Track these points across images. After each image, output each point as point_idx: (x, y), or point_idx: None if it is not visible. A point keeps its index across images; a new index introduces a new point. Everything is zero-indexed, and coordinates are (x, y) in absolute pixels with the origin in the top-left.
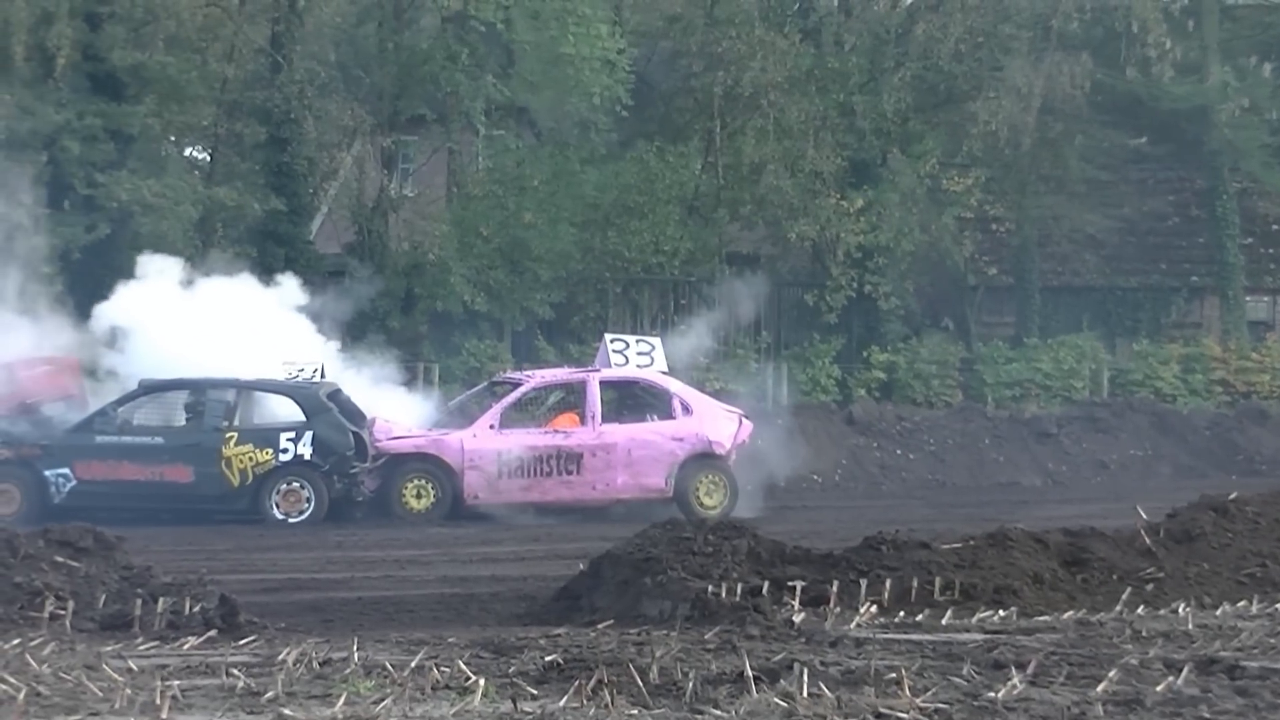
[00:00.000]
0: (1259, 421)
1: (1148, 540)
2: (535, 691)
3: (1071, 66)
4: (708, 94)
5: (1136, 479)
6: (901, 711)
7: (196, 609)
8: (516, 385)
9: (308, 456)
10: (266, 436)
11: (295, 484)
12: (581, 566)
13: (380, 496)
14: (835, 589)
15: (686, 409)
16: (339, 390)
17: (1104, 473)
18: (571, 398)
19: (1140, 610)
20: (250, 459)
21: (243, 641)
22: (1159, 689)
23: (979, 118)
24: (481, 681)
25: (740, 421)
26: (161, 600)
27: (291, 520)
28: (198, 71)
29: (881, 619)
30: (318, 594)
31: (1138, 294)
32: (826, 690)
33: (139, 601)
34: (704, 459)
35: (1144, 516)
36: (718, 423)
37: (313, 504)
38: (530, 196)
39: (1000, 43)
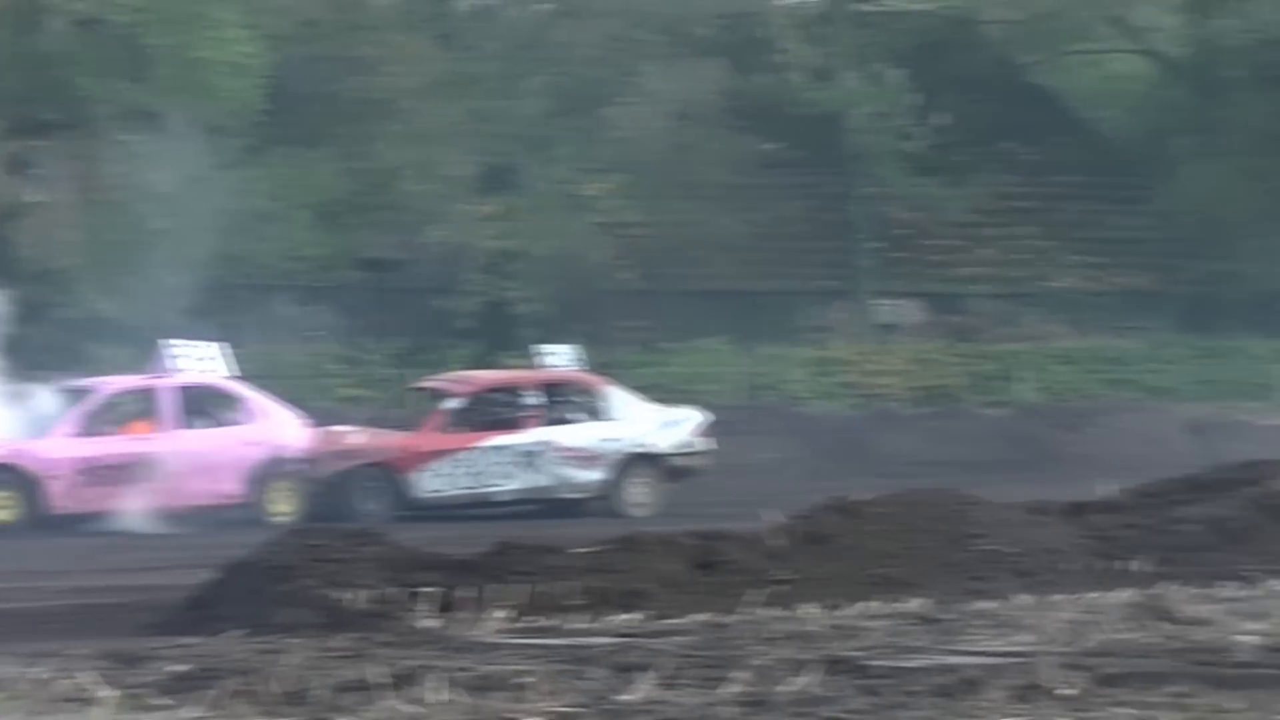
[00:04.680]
0: (887, 423)
1: (777, 542)
2: (163, 702)
3: (706, 72)
4: (342, 99)
5: (768, 481)
6: (532, 716)
7: None
8: (89, 390)
9: None
10: None
11: None
12: (211, 575)
13: None
14: (467, 594)
15: (259, 414)
16: None
17: (735, 476)
18: (148, 404)
19: (770, 611)
20: None
21: None
22: (788, 689)
23: (614, 123)
24: (107, 693)
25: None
26: None
27: None
28: None
29: (513, 624)
30: None
31: (770, 297)
32: (458, 696)
33: None
34: (277, 465)
35: (775, 518)
36: (291, 428)
37: None
38: (162, 202)
39: (635, 49)
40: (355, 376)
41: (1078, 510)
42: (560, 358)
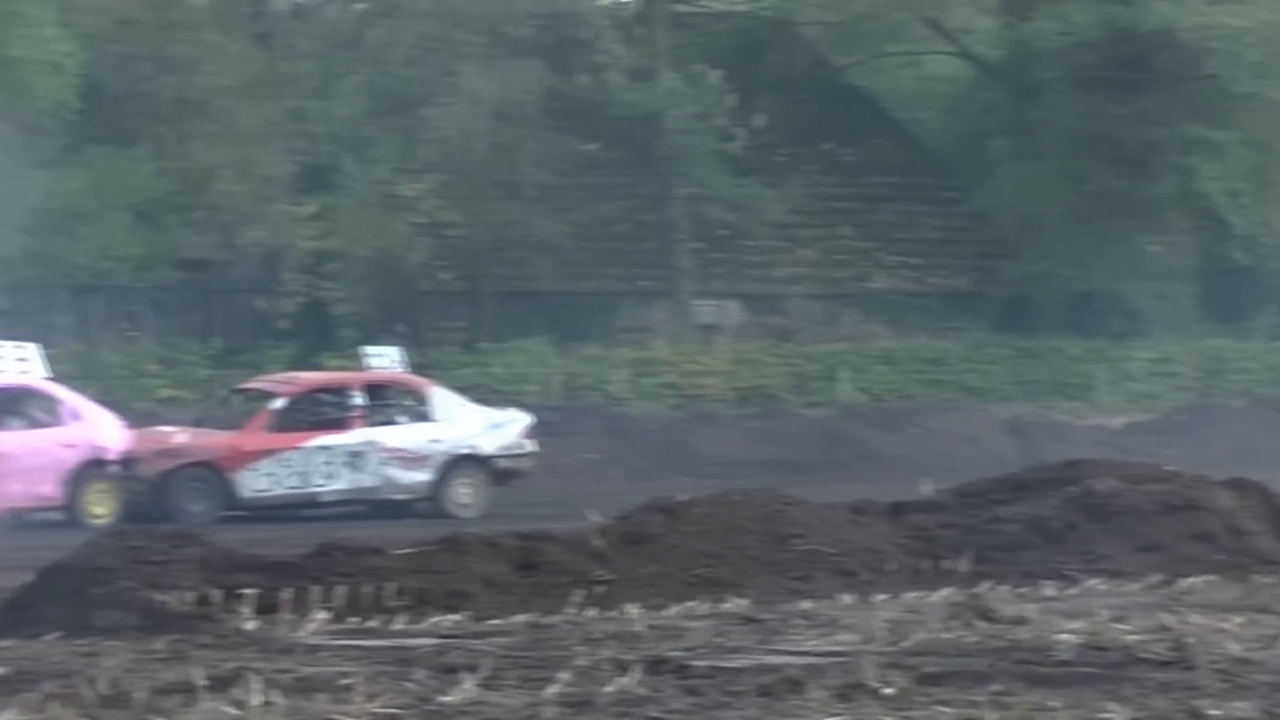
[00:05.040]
0: (707, 424)
1: (599, 543)
2: None
3: (524, 73)
4: (158, 98)
5: (589, 482)
6: (354, 718)
7: None
8: None
9: None
10: None
11: None
12: (28, 578)
13: None
14: (287, 596)
15: (76, 415)
16: None
17: (556, 476)
18: None
19: (591, 612)
20: None
21: None
22: (609, 690)
23: (432, 123)
24: None
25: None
26: None
27: None
28: None
29: (334, 625)
30: None
31: (590, 298)
32: (279, 698)
33: None
34: (95, 467)
35: (596, 519)
36: (109, 429)
37: None
38: None
39: (453, 49)
40: (174, 377)
41: (898, 510)
42: (385, 359)
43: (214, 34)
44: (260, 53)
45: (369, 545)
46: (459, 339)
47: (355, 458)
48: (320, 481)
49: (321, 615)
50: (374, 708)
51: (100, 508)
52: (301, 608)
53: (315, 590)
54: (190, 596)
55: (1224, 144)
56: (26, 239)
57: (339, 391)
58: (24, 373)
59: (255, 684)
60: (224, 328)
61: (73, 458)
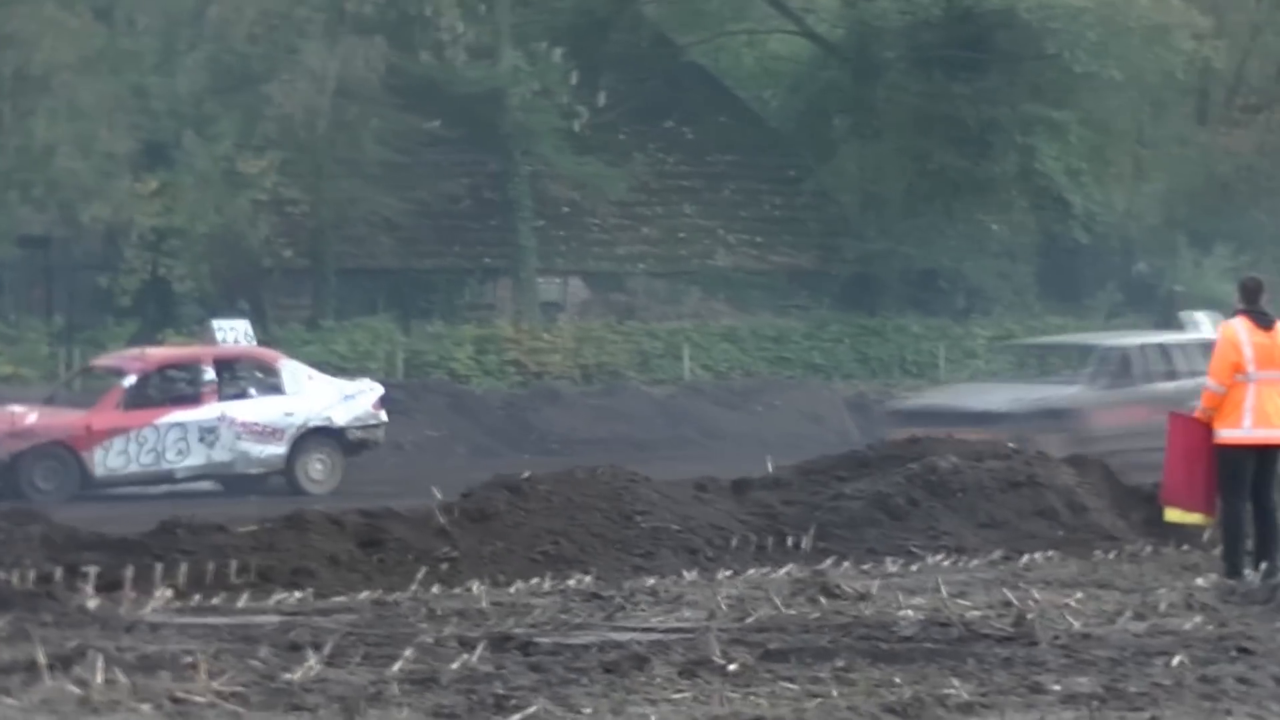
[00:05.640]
0: (551, 401)
1: (443, 520)
2: None
3: (366, 50)
4: None
5: (433, 459)
6: (198, 695)
7: None
8: None
9: None
10: None
11: None
12: None
13: None
14: (130, 574)
15: None
16: None
17: (400, 454)
18: None
19: (436, 589)
20: None
21: None
22: (454, 666)
23: (274, 100)
24: None
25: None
26: None
27: None
28: None
29: (177, 603)
30: None
31: (433, 276)
32: (122, 676)
33: None
34: None
35: (439, 496)
36: None
37: None
38: None
39: (295, 25)
40: (14, 354)
41: (741, 487)
42: (233, 333)
43: (53, 9)
44: (101, 28)
45: (212, 523)
46: (302, 316)
47: (209, 433)
48: (174, 458)
49: (164, 593)
50: (218, 685)
51: None
52: (144, 585)
53: (158, 568)
54: (31, 574)
55: (1064, 123)
56: None
57: (190, 367)
58: None
59: (98, 662)
60: (65, 305)
61: None
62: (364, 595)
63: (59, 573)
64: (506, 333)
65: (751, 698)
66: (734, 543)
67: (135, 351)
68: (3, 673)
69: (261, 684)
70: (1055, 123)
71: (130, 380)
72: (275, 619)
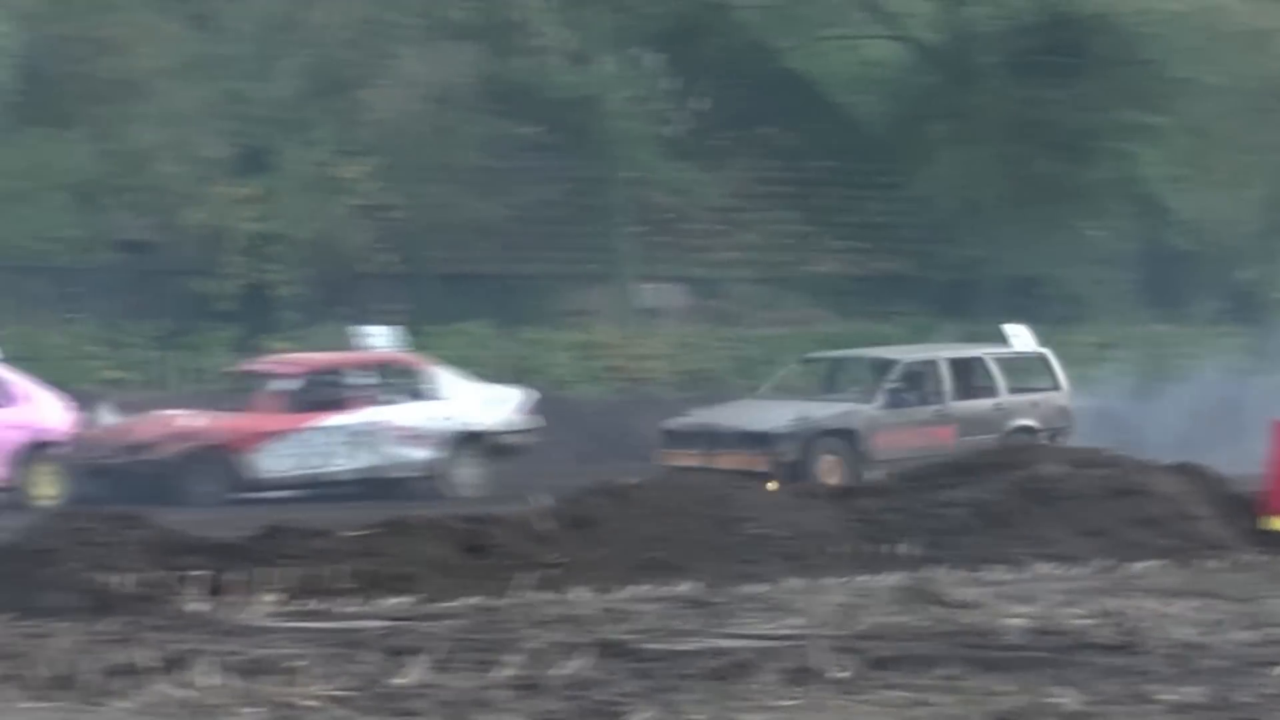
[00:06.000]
0: (652, 407)
1: (546, 525)
2: None
3: (462, 55)
4: (95, 79)
5: (534, 465)
6: (306, 700)
7: None
8: None
9: None
10: None
11: None
12: None
13: None
14: (236, 578)
15: (19, 397)
16: None
17: (500, 459)
18: None
19: (540, 595)
20: None
21: None
22: (560, 673)
23: (372, 106)
24: None
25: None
26: None
27: None
28: None
29: (282, 607)
30: None
31: (531, 281)
32: (229, 680)
33: None
34: (39, 449)
35: (543, 502)
36: (52, 411)
37: None
38: None
39: (391, 30)
40: (116, 359)
41: (845, 494)
42: (380, 338)
43: (149, 15)
44: (196, 34)
45: (316, 528)
46: (400, 322)
47: (365, 437)
48: (330, 461)
49: (269, 597)
50: (324, 689)
51: (46, 489)
52: (249, 589)
53: (263, 572)
54: (137, 578)
55: (1163, 129)
56: None
57: (345, 371)
58: None
59: (205, 666)
60: (164, 310)
61: (17, 439)
62: (468, 600)
63: (165, 576)
64: (605, 338)
65: (859, 706)
66: (838, 549)
67: (286, 356)
68: (112, 676)
69: (367, 689)
70: (1154, 128)
71: (287, 384)
72: (380, 624)
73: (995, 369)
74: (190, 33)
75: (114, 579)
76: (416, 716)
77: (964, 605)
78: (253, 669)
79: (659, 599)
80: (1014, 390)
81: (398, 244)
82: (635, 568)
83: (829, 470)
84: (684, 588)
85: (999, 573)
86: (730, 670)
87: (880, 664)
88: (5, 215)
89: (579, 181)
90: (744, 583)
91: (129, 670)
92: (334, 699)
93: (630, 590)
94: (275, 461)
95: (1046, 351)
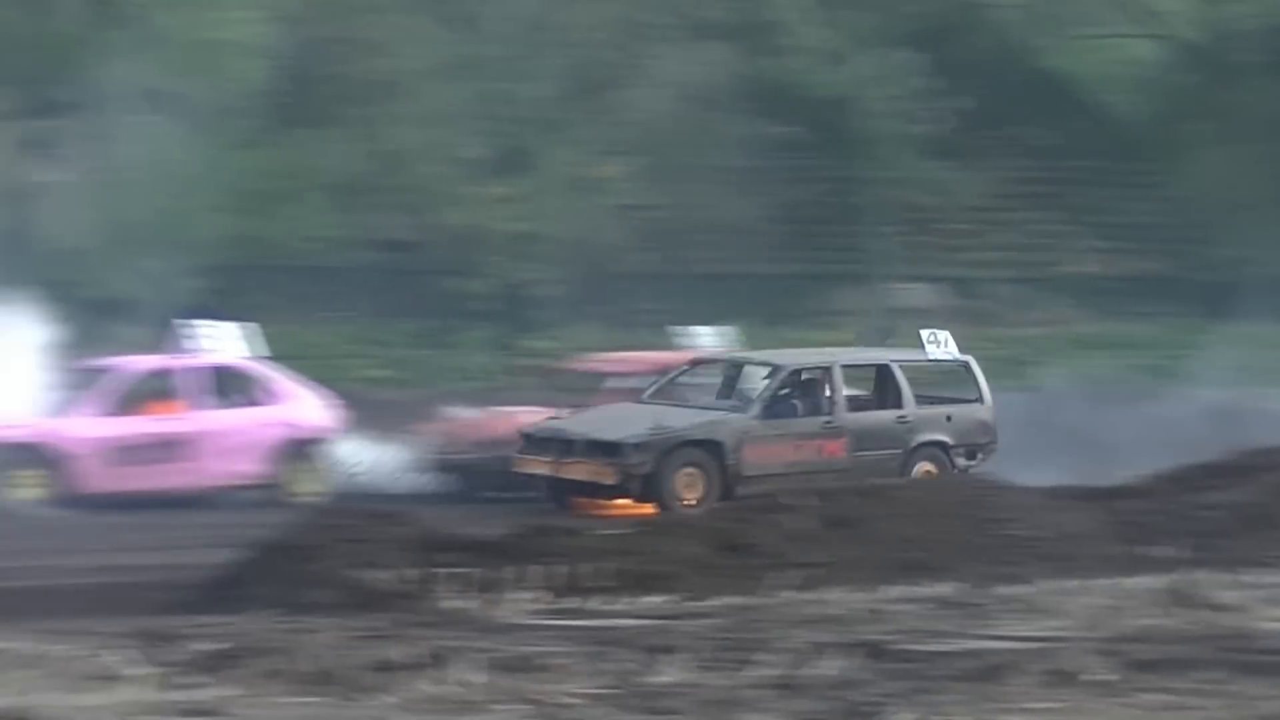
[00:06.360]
0: None
1: (802, 525)
2: (192, 680)
3: (716, 55)
4: (352, 80)
5: None
6: (563, 697)
7: None
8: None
9: None
10: None
11: None
12: (236, 554)
13: None
14: (496, 575)
15: (279, 394)
16: None
17: None
18: (169, 384)
19: (796, 594)
20: None
21: None
22: (817, 672)
23: (626, 106)
24: (135, 671)
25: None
26: None
27: None
28: None
29: (540, 605)
30: None
31: (787, 281)
32: (488, 677)
33: None
34: (299, 445)
35: (798, 502)
36: (311, 408)
37: None
38: (179, 183)
39: (645, 31)
40: (378, 357)
41: (1101, 495)
42: (707, 337)
43: (405, 16)
44: (451, 34)
45: (571, 526)
46: (656, 321)
47: None
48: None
49: (528, 595)
50: (583, 687)
51: (306, 486)
52: (510, 587)
53: (521, 569)
54: (399, 575)
55: None
56: (225, 220)
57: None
58: (230, 352)
59: (464, 663)
60: (420, 309)
61: (276, 436)
62: (724, 600)
63: (424, 574)
64: (848, 341)
65: (1119, 709)
66: (1093, 551)
67: (624, 354)
68: (379, 671)
69: (625, 687)
70: None
71: (625, 382)
72: (638, 622)
73: (901, 377)
74: (450, 33)
75: (375, 576)
76: (675, 715)
77: (1225, 608)
78: (513, 666)
79: (918, 599)
80: (926, 401)
81: (655, 244)
82: (894, 568)
83: (687, 485)
84: (943, 588)
85: (1261, 575)
86: (989, 672)
87: (1140, 667)
88: (269, 215)
89: (835, 181)
90: (1003, 584)
91: (389, 666)
92: (593, 697)
93: (889, 590)
94: None
95: (970, 359)
